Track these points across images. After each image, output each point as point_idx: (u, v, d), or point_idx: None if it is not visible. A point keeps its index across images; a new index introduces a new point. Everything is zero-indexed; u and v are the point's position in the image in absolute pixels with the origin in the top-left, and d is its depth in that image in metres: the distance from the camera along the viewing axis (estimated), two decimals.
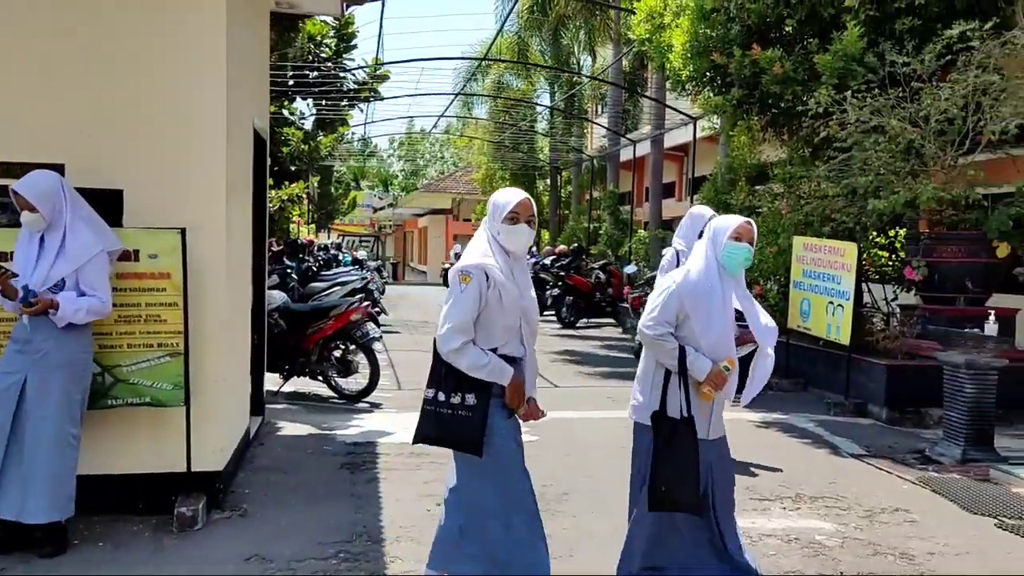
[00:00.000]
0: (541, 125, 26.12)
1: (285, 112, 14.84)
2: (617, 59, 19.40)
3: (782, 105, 8.76)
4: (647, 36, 10.84)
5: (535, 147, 27.23)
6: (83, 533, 4.04)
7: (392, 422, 6.75)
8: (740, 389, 3.52)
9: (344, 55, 14.20)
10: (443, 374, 3.05)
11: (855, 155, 7.84)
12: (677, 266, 5.27)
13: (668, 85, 12.79)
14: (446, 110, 23.31)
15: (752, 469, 5.55)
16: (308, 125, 16.52)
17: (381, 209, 48.75)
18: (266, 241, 6.71)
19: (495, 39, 21.14)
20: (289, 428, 6.40)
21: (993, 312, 6.73)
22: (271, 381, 7.23)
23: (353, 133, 24.07)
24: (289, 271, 11.79)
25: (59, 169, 4.05)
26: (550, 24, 21.53)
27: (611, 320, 16.07)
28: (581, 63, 23.98)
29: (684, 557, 3.38)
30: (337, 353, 7.70)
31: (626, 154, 20.45)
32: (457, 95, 23.04)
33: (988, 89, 7.15)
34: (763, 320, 3.41)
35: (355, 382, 7.73)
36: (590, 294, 15.59)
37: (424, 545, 4.03)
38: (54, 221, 3.79)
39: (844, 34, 7.90)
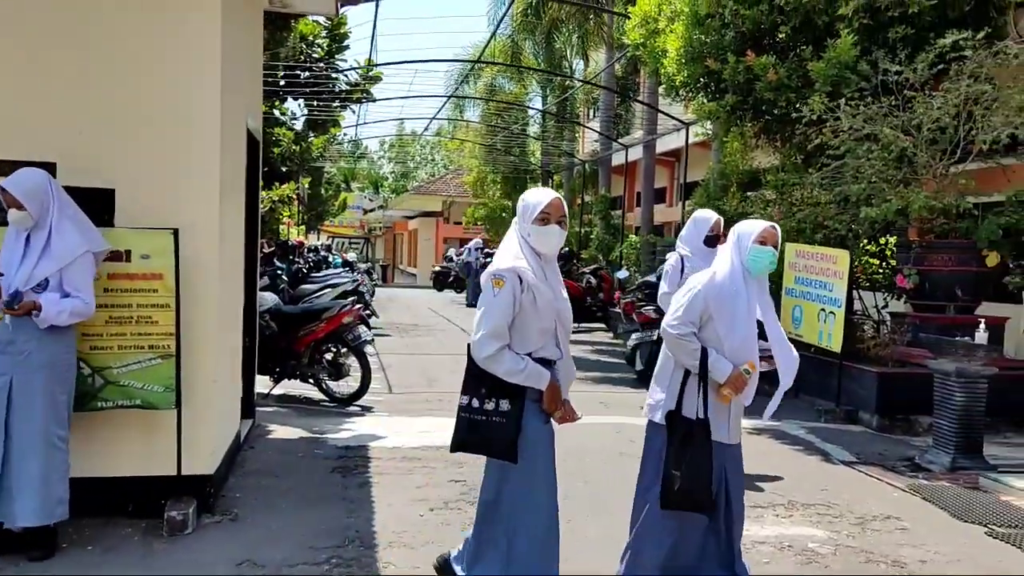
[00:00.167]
0: (533, 128, 26.14)
1: (276, 112, 14.77)
2: (610, 63, 19.43)
3: (775, 112, 8.80)
4: (641, 41, 10.86)
5: (527, 150, 27.24)
6: (72, 536, 3.99)
7: (384, 426, 6.72)
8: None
9: (336, 56, 14.15)
10: (476, 380, 3.00)
11: (848, 163, 7.88)
12: (681, 271, 5.29)
13: (661, 90, 12.83)
14: (438, 112, 23.31)
15: (745, 475, 5.55)
16: (299, 126, 16.45)
17: (371, 211, 48.62)
18: (258, 242, 6.67)
19: (488, 42, 21.14)
20: (280, 431, 6.36)
21: (984, 320, 6.78)
22: (261, 383, 7.19)
23: (345, 134, 24.03)
24: (279, 273, 11.73)
25: (50, 167, 4.01)
26: (543, 27, 21.54)
27: (602, 325, 16.07)
28: (574, 67, 24.01)
29: (689, 563, 3.38)
30: (328, 356, 7.66)
31: (618, 159, 20.49)
32: (450, 97, 23.03)
33: (980, 99, 7.21)
34: (790, 353, 3.46)
35: (346, 385, 7.69)
36: (581, 299, 15.57)
37: (417, 550, 4.03)
38: (40, 220, 3.75)
39: (838, 42, 7.94)
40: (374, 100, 16.26)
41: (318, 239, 33.30)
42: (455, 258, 25.05)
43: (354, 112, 17.77)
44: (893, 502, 5.22)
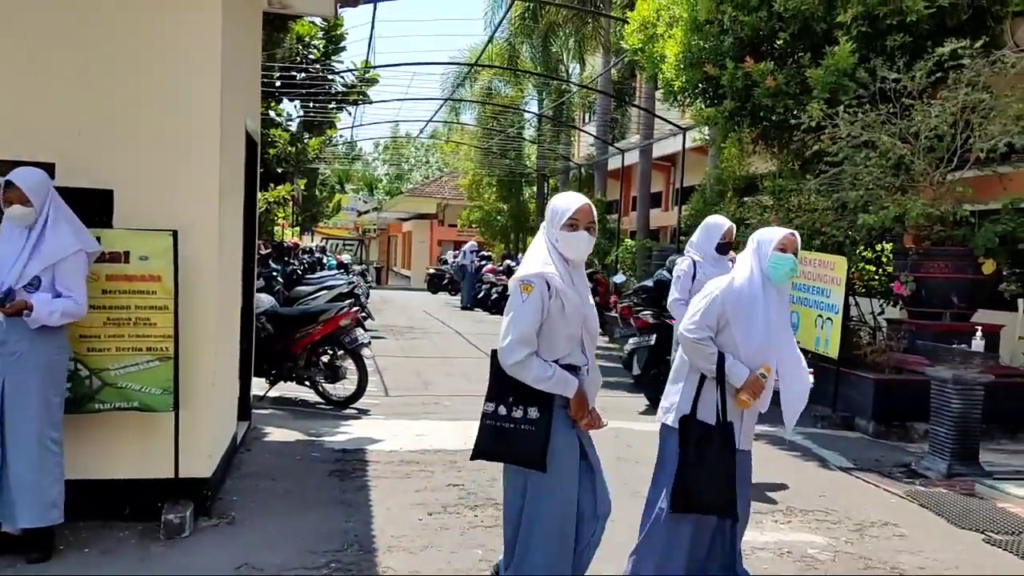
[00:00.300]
0: (529, 132, 26.14)
1: (272, 113, 14.74)
2: (607, 68, 19.45)
3: (774, 118, 8.81)
4: (640, 46, 10.87)
5: (523, 154, 27.23)
6: (69, 539, 3.96)
7: (381, 429, 6.69)
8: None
9: (332, 57, 14.13)
10: (503, 386, 2.95)
11: (845, 169, 7.89)
12: (693, 277, 5.30)
13: (659, 95, 12.84)
14: (435, 115, 23.30)
15: None
16: (295, 127, 16.41)
17: (366, 213, 48.55)
18: (255, 244, 6.64)
19: (486, 46, 21.14)
20: (276, 434, 6.33)
21: (980, 328, 6.80)
22: (257, 386, 7.15)
23: (341, 136, 23.96)
24: (275, 274, 11.69)
25: (49, 168, 3.98)
26: (540, 31, 21.57)
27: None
28: (570, 71, 24.03)
29: (697, 564, 3.38)
30: (325, 358, 7.63)
31: (614, 163, 20.50)
32: (446, 100, 23.01)
33: (977, 107, 7.24)
34: (804, 379, 3.44)
35: (343, 388, 7.65)
36: None
37: (416, 555, 4.01)
38: (37, 217, 3.72)
39: (836, 49, 7.96)
40: (370, 102, 16.26)
41: (312, 241, 33.22)
42: (450, 261, 25.02)
43: (350, 114, 17.74)
44: (891, 508, 5.23)
